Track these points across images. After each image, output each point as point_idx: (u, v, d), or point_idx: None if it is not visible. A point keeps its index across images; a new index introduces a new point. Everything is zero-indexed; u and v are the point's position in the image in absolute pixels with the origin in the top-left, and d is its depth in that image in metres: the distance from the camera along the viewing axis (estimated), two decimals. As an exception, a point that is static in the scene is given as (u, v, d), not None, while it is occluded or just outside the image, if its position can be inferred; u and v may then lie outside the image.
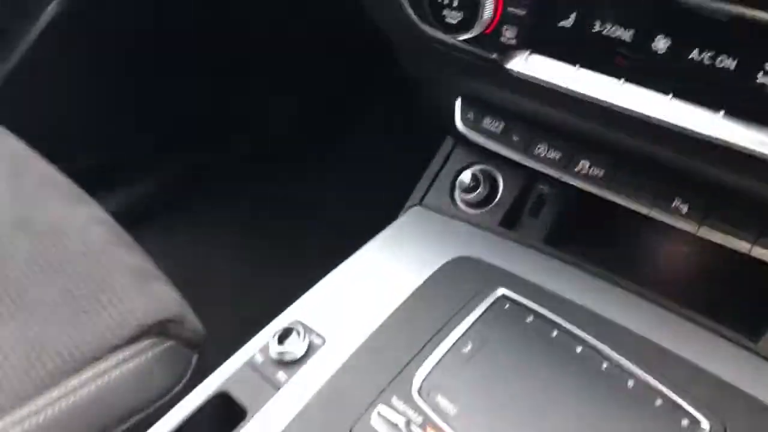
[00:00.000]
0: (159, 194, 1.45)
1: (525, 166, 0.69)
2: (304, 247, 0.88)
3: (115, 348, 0.74)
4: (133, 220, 0.97)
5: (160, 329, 0.77)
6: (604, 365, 0.59)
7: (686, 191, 0.60)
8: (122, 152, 1.41)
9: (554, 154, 0.67)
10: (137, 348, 0.74)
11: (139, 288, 0.80)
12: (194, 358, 0.78)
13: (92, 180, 1.00)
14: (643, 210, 0.61)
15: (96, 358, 0.73)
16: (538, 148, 0.67)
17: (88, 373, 0.71)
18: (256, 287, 0.85)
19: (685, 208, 0.59)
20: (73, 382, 0.70)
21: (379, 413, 0.58)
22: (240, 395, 0.63)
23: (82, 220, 0.90)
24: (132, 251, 0.87)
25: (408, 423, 0.57)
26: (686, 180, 0.59)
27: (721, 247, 0.60)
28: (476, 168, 0.76)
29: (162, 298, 0.80)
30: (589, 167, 0.64)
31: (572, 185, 0.66)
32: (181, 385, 0.75)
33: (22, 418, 0.66)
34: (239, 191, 1.42)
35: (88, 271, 0.82)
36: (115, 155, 1.40)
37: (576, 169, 0.64)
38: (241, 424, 0.61)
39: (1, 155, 0.98)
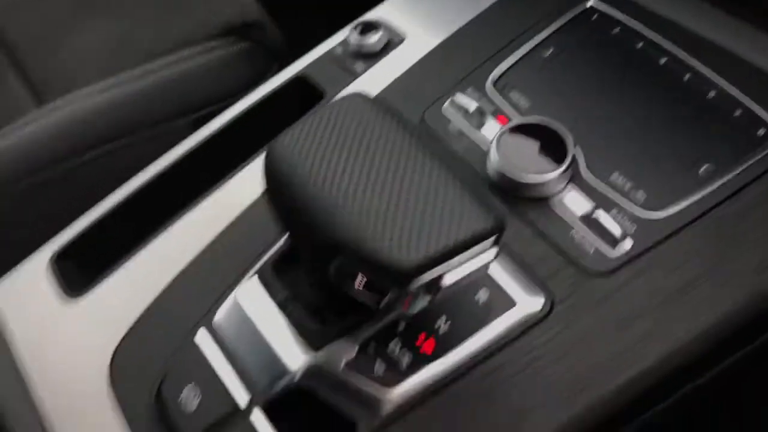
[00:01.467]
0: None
1: None
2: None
3: (200, 41, 0.77)
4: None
5: (242, 31, 0.79)
6: (687, 76, 0.58)
7: None
8: None
9: None
10: (221, 42, 0.77)
11: (224, -7, 0.81)
12: (275, 66, 0.81)
13: None
14: None
15: (180, 47, 0.76)
16: None
17: (173, 57, 0.74)
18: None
19: None
20: (159, 62, 0.74)
21: (452, 100, 0.59)
22: (319, 80, 0.65)
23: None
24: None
25: (479, 109, 0.58)
26: None
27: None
28: None
29: (245, 3, 0.81)
30: None
31: None
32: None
33: (108, 87, 0.71)
34: None
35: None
36: None
37: None
38: (319, 103, 0.63)
39: None
